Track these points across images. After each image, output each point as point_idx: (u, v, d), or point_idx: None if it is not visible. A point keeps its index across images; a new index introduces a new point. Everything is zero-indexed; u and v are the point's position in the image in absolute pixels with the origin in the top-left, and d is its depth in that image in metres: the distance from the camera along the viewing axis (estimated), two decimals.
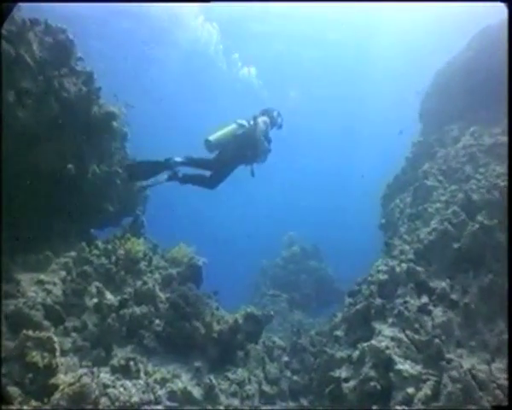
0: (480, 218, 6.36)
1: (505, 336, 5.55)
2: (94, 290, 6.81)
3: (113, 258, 7.75)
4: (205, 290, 8.36)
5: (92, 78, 7.77)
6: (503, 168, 6.90)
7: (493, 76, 9.09)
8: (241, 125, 7.78)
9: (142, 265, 7.98)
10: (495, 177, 6.79)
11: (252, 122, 7.79)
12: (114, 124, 8.04)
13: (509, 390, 4.53)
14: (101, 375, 5.25)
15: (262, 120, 7.95)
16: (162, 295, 7.46)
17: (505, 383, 5.11)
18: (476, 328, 5.83)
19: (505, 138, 7.35)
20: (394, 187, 9.63)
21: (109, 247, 7.99)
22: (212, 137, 7.58)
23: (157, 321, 6.94)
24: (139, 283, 7.44)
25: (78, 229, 8.27)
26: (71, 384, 4.10)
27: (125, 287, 7.37)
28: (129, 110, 8.80)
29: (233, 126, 7.78)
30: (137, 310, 6.79)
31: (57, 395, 4.01)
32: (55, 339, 4.98)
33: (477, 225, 6.31)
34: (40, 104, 6.82)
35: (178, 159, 7.53)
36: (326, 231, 29.38)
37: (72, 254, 7.48)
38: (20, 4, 6.60)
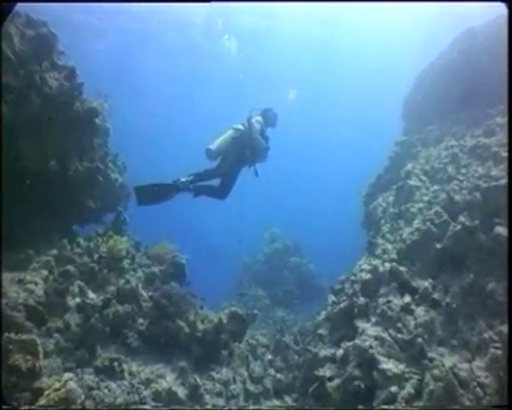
0: (462, 219, 6.46)
1: (486, 335, 5.68)
2: (76, 290, 6.74)
3: (96, 256, 7.68)
4: (188, 287, 8.37)
5: (74, 73, 7.64)
6: (484, 170, 7.02)
7: (475, 78, 9.26)
8: (237, 129, 8.01)
9: (125, 263, 7.92)
10: (476, 178, 6.89)
11: (246, 124, 8.00)
12: (97, 120, 7.91)
13: (509, 390, 4.58)
14: (85, 376, 5.19)
15: (256, 120, 8.12)
16: (145, 294, 7.41)
17: (485, 381, 5.23)
18: (457, 327, 5.93)
19: (487, 140, 7.48)
20: (377, 186, 9.72)
21: (91, 245, 7.91)
22: (212, 146, 7.78)
23: (140, 320, 6.90)
24: (122, 281, 7.37)
25: (59, 226, 8.16)
26: (56, 390, 4.04)
27: (108, 286, 7.30)
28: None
29: (230, 132, 8.01)
30: (120, 309, 6.73)
31: (43, 401, 3.95)
32: (38, 342, 4.90)
33: (459, 226, 6.41)
34: (21, 99, 6.69)
35: (184, 179, 7.78)
36: (308, 228, 29.58)
37: (54, 252, 7.37)
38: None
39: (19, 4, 6.04)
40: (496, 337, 5.45)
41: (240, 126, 8.02)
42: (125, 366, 5.85)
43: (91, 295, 6.91)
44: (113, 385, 5.42)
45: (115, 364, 5.76)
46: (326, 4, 19.14)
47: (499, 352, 5.22)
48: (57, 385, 4.11)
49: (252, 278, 15.22)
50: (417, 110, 10.92)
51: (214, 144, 7.79)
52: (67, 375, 4.72)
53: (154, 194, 7.75)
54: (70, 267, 6.81)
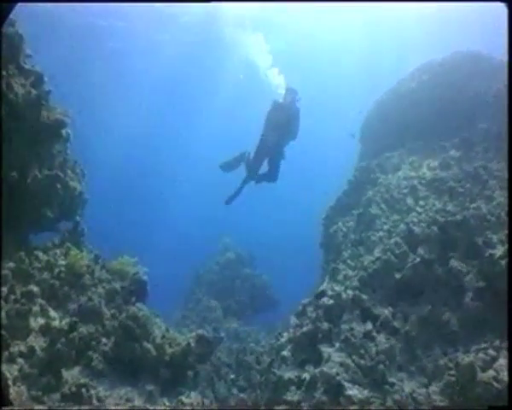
0: (420, 251, 6.92)
1: (441, 362, 6.14)
2: (38, 309, 6.53)
3: (56, 271, 7.45)
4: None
5: (42, 79, 7.36)
6: (441, 204, 7.53)
7: (432, 109, 9.87)
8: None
9: (86, 279, 7.73)
10: (434, 212, 7.38)
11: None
12: (63, 132, 7.67)
13: (509, 390, 4.81)
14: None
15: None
16: (108, 312, 7.30)
17: (441, 404, 5.68)
18: (415, 354, 6.37)
19: (444, 174, 8.00)
20: (337, 209, 10.07)
21: (51, 259, 7.66)
22: None
23: (104, 340, 6.79)
24: (84, 299, 7.21)
25: (15, 236, 7.84)
26: None
27: (70, 303, 7.12)
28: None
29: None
30: (84, 330, 6.60)
31: None
32: (7, 374, 4.75)
33: (418, 259, 6.87)
34: None
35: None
36: (262, 238, 29.92)
37: (11, 265, 7.09)
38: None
39: (19, 4, 5.77)
40: (450, 364, 5.91)
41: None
42: (92, 392, 5.76)
43: (53, 314, 6.72)
44: None
45: (83, 390, 5.66)
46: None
47: (453, 378, 5.67)
48: None
49: (205, 288, 15.24)
50: (375, 135, 11.43)
51: None
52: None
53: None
54: (33, 287, 6.57)
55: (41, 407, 3.99)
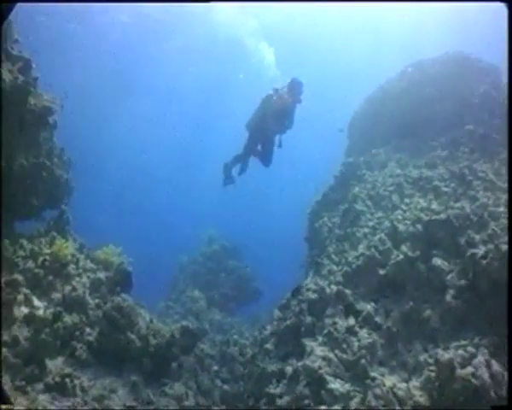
0: (404, 249, 7.02)
1: (421, 357, 6.25)
2: (22, 298, 6.50)
3: (40, 259, 7.41)
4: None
5: (30, 65, 7.26)
6: (426, 202, 7.63)
7: (421, 109, 9.98)
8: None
9: (71, 268, 7.71)
10: (419, 210, 7.48)
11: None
12: (50, 119, 7.59)
13: (509, 390, 4.88)
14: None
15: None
16: (92, 302, 7.30)
17: (420, 399, 5.79)
18: (396, 349, 6.48)
19: (429, 172, 8.10)
20: (322, 204, 10.14)
21: (35, 248, 7.61)
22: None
23: (88, 330, 6.80)
24: (68, 288, 7.20)
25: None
26: None
27: (54, 292, 7.09)
28: None
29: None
30: (69, 320, 6.59)
31: None
32: None
33: (401, 256, 6.96)
34: None
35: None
36: (248, 230, 29.94)
37: None
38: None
39: (19, 4, 5.67)
40: (430, 360, 6.02)
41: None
42: (76, 382, 5.77)
43: (37, 303, 6.70)
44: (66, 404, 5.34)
45: (67, 380, 5.66)
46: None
47: (432, 374, 5.79)
48: None
49: (189, 279, 15.24)
50: (362, 131, 11.52)
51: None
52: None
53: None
54: (17, 276, 6.53)
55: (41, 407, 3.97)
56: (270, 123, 8.92)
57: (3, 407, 3.92)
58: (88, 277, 7.92)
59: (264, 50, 15.50)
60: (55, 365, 5.99)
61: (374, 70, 16.98)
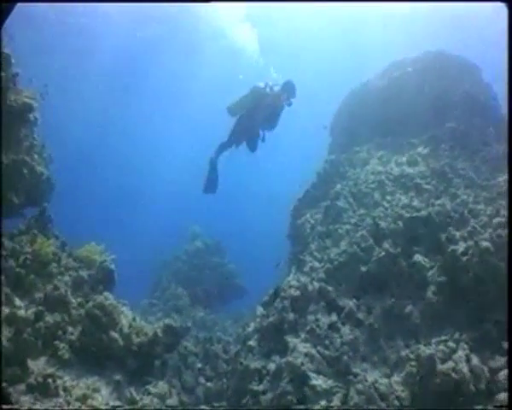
0: (386, 245, 7.11)
1: (403, 353, 6.35)
2: (3, 298, 6.42)
3: (22, 258, 7.32)
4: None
5: (10, 61, 7.15)
6: (407, 199, 7.73)
7: (402, 107, 10.09)
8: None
9: (52, 267, 7.63)
10: (400, 207, 7.58)
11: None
12: (31, 116, 7.49)
13: (509, 390, 4.93)
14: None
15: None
16: (74, 301, 7.24)
17: (402, 394, 5.89)
18: (378, 345, 6.57)
19: (411, 170, 8.21)
20: (305, 201, 10.18)
21: (17, 246, 7.52)
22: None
23: (70, 329, 6.74)
24: (50, 287, 7.12)
25: None
26: None
27: (36, 292, 7.02)
28: None
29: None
30: (50, 319, 6.53)
31: None
32: None
33: (383, 253, 7.05)
34: None
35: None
36: (233, 227, 29.89)
37: None
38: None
39: (19, 4, 5.56)
40: (411, 355, 6.12)
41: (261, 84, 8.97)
42: (59, 382, 5.72)
43: (19, 303, 6.62)
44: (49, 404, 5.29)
45: (49, 380, 5.61)
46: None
47: (414, 369, 5.89)
48: None
49: (172, 276, 15.18)
50: (345, 128, 11.60)
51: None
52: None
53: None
54: None
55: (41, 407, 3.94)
56: (258, 120, 8.90)
57: (4, 406, 3.88)
58: (70, 275, 7.83)
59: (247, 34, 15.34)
60: (38, 365, 5.93)
61: (358, 65, 17.06)
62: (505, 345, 5.51)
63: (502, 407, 4.97)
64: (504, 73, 5.64)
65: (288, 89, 8.80)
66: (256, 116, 8.84)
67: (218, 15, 18.23)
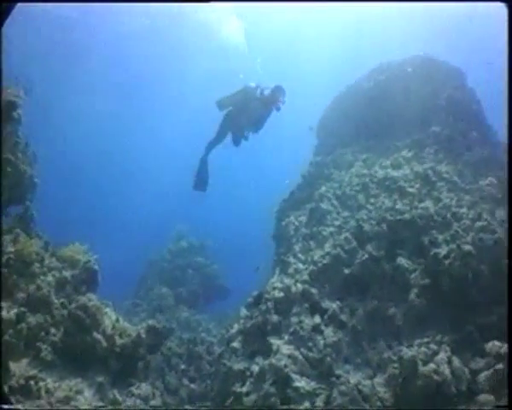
0: (369, 248, 7.17)
1: (385, 355, 6.41)
2: None
3: (4, 258, 7.23)
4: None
5: None
6: (391, 202, 7.80)
7: (387, 109, 10.17)
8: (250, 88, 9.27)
9: (35, 267, 7.55)
10: (384, 210, 7.65)
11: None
12: (15, 114, 7.41)
13: (509, 390, 4.93)
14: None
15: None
16: (57, 301, 7.17)
17: (385, 396, 5.95)
18: (361, 347, 6.63)
19: (395, 173, 8.28)
20: (290, 202, 10.21)
21: None
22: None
23: (53, 330, 6.69)
24: (33, 287, 7.05)
25: None
26: None
27: (18, 292, 6.94)
28: None
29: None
30: (33, 320, 6.47)
31: None
32: None
33: (366, 255, 7.11)
34: None
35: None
36: (218, 227, 29.81)
37: None
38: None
39: (19, 4, 5.49)
40: (394, 357, 6.19)
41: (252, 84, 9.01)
42: (41, 384, 5.67)
43: (1, 303, 6.54)
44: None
45: (31, 382, 5.57)
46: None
47: (396, 371, 5.95)
48: None
49: (156, 276, 15.10)
50: (330, 130, 11.65)
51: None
52: None
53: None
54: None
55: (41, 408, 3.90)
56: (244, 121, 8.93)
57: (4, 406, 3.83)
58: (53, 275, 7.76)
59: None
60: (20, 367, 5.88)
61: (345, 66, 17.13)
62: (505, 346, 5.55)
63: (502, 406, 5.02)
64: (504, 73, 5.69)
65: (277, 94, 8.81)
66: (242, 117, 8.87)
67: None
